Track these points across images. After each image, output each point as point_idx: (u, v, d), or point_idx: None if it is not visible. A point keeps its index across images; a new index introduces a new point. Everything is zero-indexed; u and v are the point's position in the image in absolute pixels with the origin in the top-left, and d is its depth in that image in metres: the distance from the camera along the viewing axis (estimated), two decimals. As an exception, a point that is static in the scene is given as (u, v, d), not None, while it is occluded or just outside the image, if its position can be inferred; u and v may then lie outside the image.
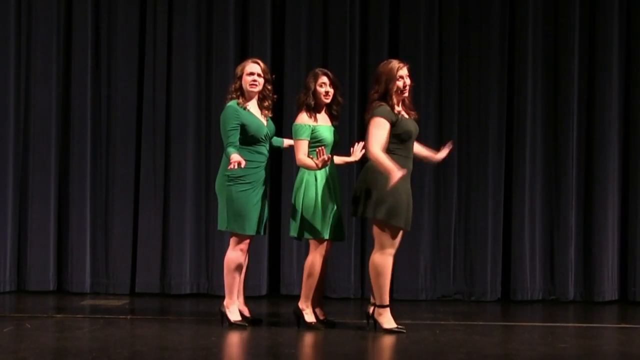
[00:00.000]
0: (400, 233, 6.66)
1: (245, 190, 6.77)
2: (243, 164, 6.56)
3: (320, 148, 6.65)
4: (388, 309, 6.70)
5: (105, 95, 8.69)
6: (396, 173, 6.40)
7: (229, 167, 6.59)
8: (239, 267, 6.81)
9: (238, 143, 6.72)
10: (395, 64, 6.73)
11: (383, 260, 6.62)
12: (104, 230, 8.66)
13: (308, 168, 6.76)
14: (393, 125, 6.63)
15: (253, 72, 6.88)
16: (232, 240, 6.84)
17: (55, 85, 8.65)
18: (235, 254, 6.81)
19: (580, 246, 8.64)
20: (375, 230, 6.66)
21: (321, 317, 6.93)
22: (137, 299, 8.39)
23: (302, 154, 6.76)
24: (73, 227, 8.63)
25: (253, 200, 6.79)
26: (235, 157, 6.56)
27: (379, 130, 6.60)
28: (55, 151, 8.66)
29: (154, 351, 6.05)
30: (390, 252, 6.64)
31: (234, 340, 6.53)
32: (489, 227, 8.61)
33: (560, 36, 8.67)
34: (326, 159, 6.59)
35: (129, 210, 8.65)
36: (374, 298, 6.79)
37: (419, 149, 6.92)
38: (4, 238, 8.57)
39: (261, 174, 6.83)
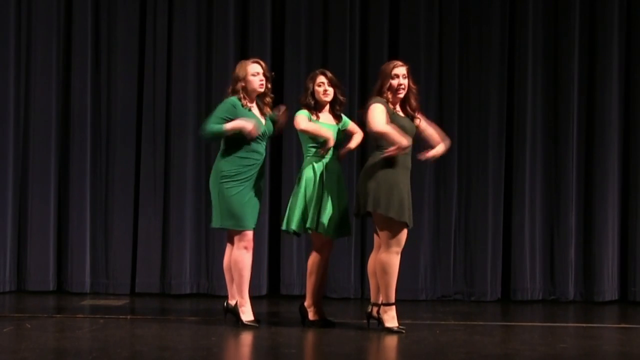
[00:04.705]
0: (404, 231, 6.64)
1: (237, 187, 6.76)
2: (251, 128, 6.66)
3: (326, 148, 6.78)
4: (393, 308, 6.70)
5: (105, 95, 8.68)
6: (402, 141, 6.46)
7: (247, 130, 6.64)
8: (243, 266, 6.78)
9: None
10: (393, 62, 6.74)
11: (390, 258, 6.61)
12: (104, 230, 8.65)
13: (312, 133, 6.80)
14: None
15: (258, 72, 6.87)
16: (235, 239, 6.83)
17: (55, 86, 8.65)
18: (238, 253, 6.80)
19: (580, 246, 8.63)
20: (380, 229, 6.65)
21: (315, 317, 6.93)
22: (137, 299, 8.39)
23: (304, 122, 6.81)
24: (73, 227, 8.63)
25: (245, 197, 6.77)
26: (244, 123, 6.68)
27: (376, 112, 6.59)
28: (55, 151, 8.66)
29: (154, 351, 6.05)
30: (396, 250, 6.62)
31: (234, 341, 6.53)
32: (489, 227, 8.61)
33: (560, 36, 8.67)
34: (323, 152, 6.80)
35: (129, 210, 8.65)
36: (373, 298, 6.79)
37: (431, 133, 6.87)
38: (4, 238, 8.56)
39: (255, 172, 6.82)
